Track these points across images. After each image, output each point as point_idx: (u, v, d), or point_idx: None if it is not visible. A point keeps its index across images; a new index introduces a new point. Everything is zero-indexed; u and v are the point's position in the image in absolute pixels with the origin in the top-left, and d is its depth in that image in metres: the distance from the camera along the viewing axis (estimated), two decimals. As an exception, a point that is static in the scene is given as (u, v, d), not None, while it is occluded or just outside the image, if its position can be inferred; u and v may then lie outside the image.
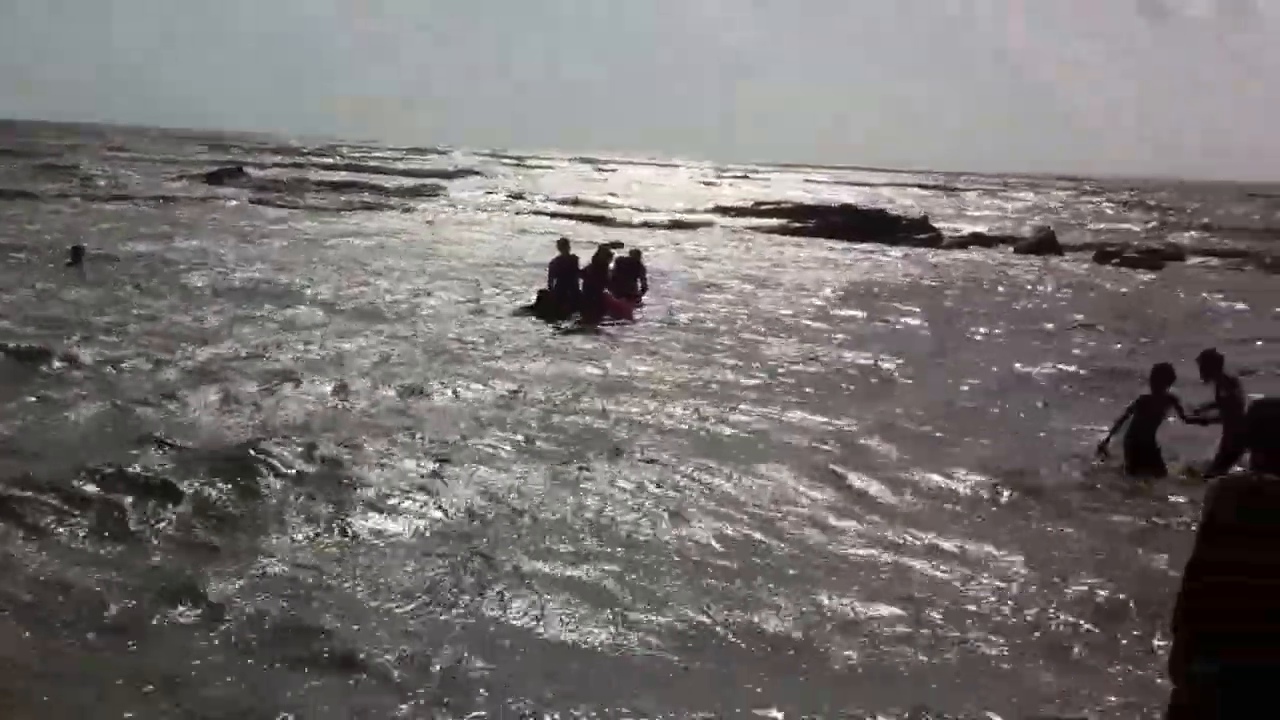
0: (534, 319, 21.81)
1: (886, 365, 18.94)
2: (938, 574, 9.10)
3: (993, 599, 8.64)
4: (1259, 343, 22.96)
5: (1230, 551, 3.43)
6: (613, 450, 12.09)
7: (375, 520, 9.54)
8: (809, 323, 23.88)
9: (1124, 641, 7.95)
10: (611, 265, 23.81)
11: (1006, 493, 11.57)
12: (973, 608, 8.43)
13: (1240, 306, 30.00)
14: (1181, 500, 11.36)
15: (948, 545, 9.77)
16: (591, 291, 22.68)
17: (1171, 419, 13.05)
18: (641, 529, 9.72)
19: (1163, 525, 10.76)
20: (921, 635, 7.87)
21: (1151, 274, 39.20)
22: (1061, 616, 8.36)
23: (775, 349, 20.12)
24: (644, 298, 24.84)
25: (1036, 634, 8.07)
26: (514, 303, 23.43)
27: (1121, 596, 8.69)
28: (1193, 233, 59.02)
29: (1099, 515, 11.05)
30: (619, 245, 29.00)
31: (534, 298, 23.35)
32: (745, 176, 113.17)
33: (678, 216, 55.35)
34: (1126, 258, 43.11)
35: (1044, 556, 9.65)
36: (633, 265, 25.20)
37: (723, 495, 10.77)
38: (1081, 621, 8.26)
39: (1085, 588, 8.90)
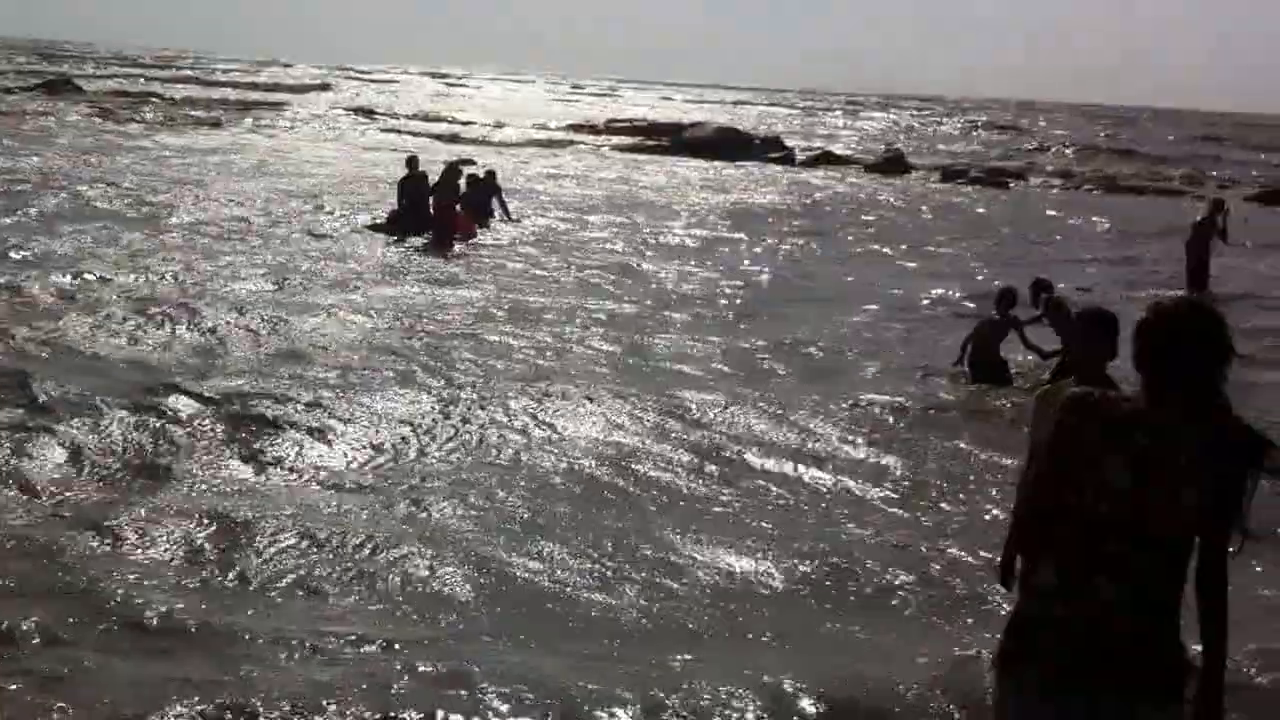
0: (385, 239, 21.48)
1: (761, 287, 19.00)
2: (821, 488, 9.27)
3: (880, 519, 8.84)
4: (1095, 260, 23.72)
5: (1068, 462, 3.52)
6: (485, 377, 12.04)
7: (265, 454, 9.35)
8: (677, 242, 23.88)
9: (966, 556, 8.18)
10: (462, 183, 23.48)
11: (890, 415, 11.61)
12: (859, 530, 8.62)
13: (1074, 221, 30.93)
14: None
15: (831, 469, 9.93)
16: (443, 211, 22.37)
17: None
18: (524, 457, 9.66)
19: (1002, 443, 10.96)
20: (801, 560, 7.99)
21: (997, 192, 40.06)
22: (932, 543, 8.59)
23: (646, 270, 20.11)
24: (500, 219, 24.64)
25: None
26: (365, 222, 23.03)
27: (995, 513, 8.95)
28: (1040, 154, 60.39)
29: (957, 433, 11.24)
30: (470, 163, 28.68)
31: (384, 217, 23.00)
32: (602, 94, 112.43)
33: (533, 134, 54.86)
34: (973, 177, 44.06)
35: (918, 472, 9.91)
36: (488, 185, 24.95)
37: (606, 422, 10.70)
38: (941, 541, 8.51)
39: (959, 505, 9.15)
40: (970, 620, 7.04)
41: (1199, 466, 3.41)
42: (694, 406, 11.21)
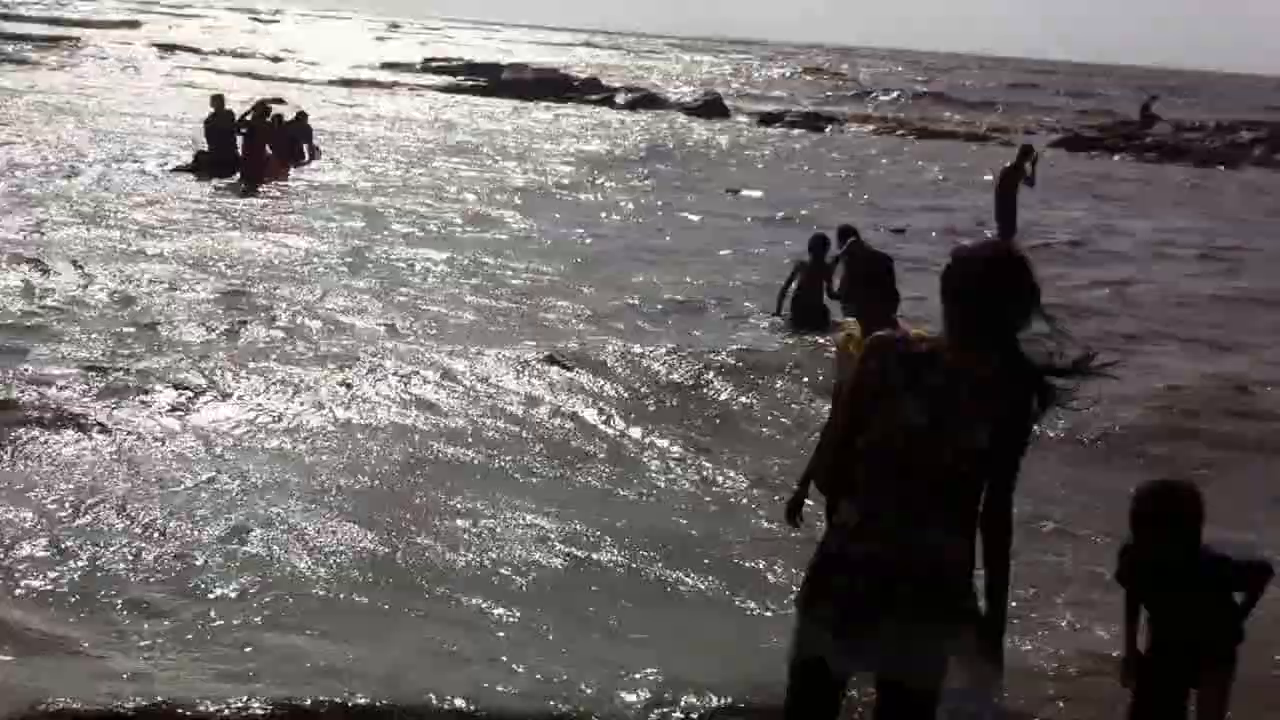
0: (196, 181, 20.67)
1: (587, 240, 18.65)
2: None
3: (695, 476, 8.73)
4: (911, 204, 24.10)
5: (867, 404, 3.60)
6: (291, 332, 11.61)
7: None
8: (490, 190, 23.42)
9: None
10: (270, 121, 22.65)
11: (704, 366, 11.23)
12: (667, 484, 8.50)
13: (890, 165, 31.46)
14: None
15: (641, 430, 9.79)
16: (252, 153, 21.56)
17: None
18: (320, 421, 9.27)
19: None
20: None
21: (816, 137, 40.49)
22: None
23: (450, 217, 19.69)
24: (312, 161, 23.93)
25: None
26: (172, 165, 22.10)
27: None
28: (858, 100, 61.29)
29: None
30: (279, 101, 27.76)
31: (191, 158, 22.14)
32: (422, 32, 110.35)
33: (347, 74, 53.45)
34: (789, 121, 44.47)
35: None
36: (298, 127, 24.19)
37: (424, 383, 10.26)
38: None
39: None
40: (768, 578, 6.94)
41: (991, 405, 3.51)
42: (503, 369, 10.80)
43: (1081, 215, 24.03)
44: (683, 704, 5.24)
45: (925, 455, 3.54)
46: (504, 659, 5.67)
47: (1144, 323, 14.66)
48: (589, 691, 5.32)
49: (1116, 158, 38.69)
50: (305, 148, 24.05)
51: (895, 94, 63.40)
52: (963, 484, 3.57)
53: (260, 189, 20.46)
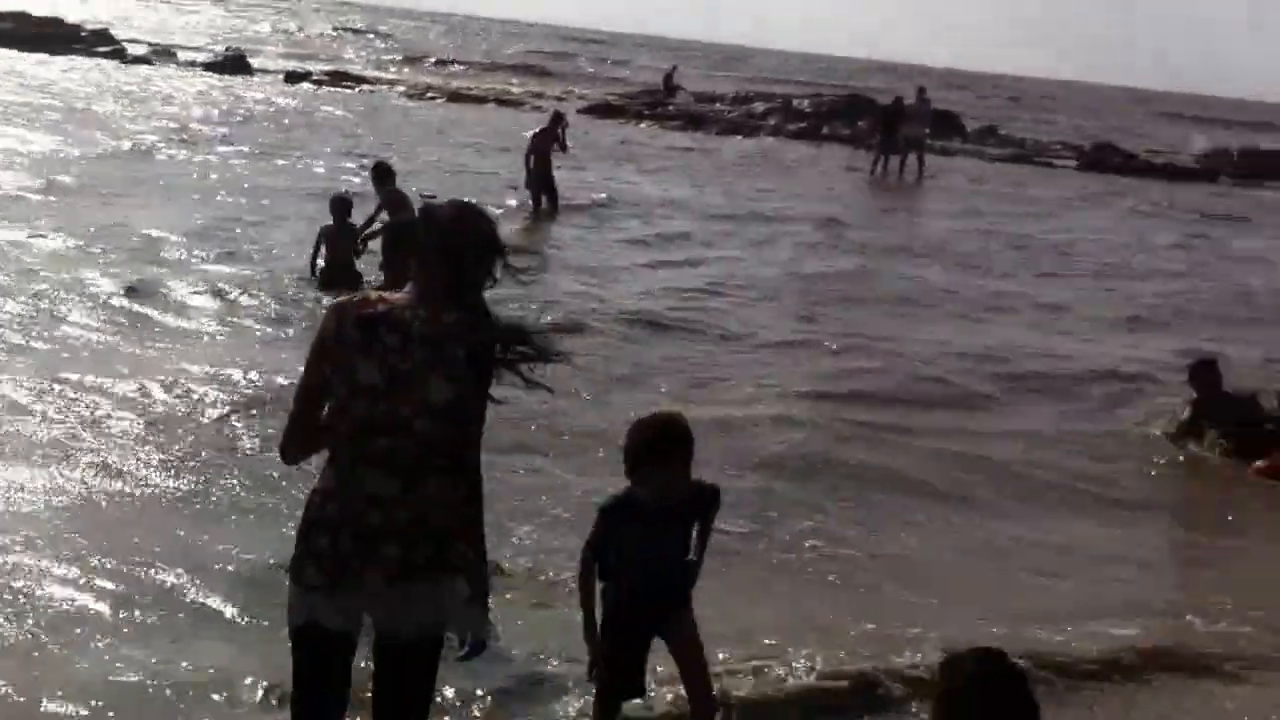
0: None
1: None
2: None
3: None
4: (442, 166, 23.56)
5: (328, 368, 3.62)
6: None
7: None
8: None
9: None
10: None
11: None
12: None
13: (421, 126, 30.79)
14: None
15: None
16: None
17: None
18: None
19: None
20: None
21: (346, 96, 39.29)
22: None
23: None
24: None
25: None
26: None
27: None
28: (385, 57, 60.23)
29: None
30: None
31: None
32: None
33: None
34: (317, 79, 43.20)
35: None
36: None
37: None
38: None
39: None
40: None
41: (447, 360, 3.59)
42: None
43: (611, 179, 24.34)
44: None
45: (387, 414, 3.58)
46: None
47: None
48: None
49: (642, 125, 39.77)
50: None
51: (417, 56, 62.71)
52: (433, 440, 3.60)
53: None
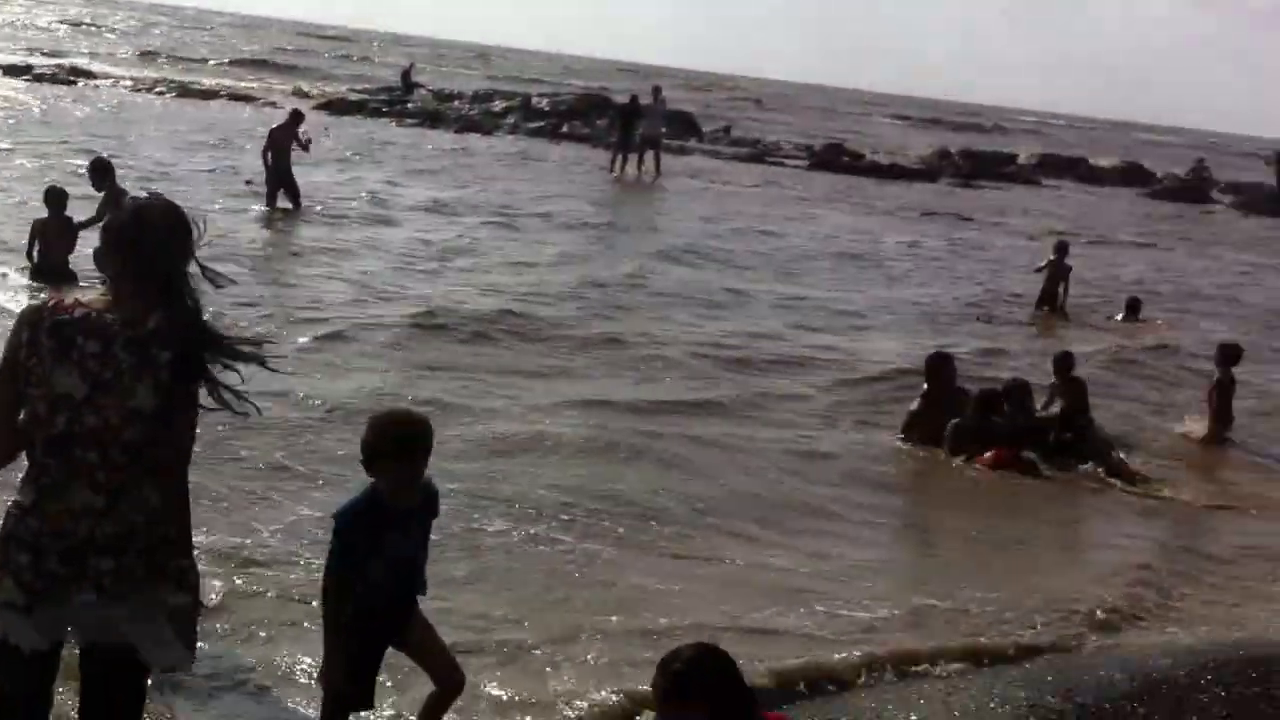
0: None
1: None
2: None
3: None
4: (178, 163, 22.82)
5: (23, 379, 3.45)
6: None
7: None
8: None
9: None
10: None
11: None
12: None
13: (153, 123, 29.77)
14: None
15: None
16: None
17: None
18: None
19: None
20: None
21: (66, 90, 37.66)
22: None
23: None
24: None
25: None
26: None
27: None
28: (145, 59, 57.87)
29: None
30: None
31: None
32: None
33: None
34: (38, 74, 41.36)
35: None
36: None
37: None
38: None
39: None
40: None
41: (151, 363, 3.44)
42: None
43: (350, 178, 24.02)
44: None
45: (90, 423, 3.44)
46: None
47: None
48: None
49: (381, 122, 39.36)
50: None
51: (163, 56, 60.51)
52: (139, 449, 3.47)
53: None
